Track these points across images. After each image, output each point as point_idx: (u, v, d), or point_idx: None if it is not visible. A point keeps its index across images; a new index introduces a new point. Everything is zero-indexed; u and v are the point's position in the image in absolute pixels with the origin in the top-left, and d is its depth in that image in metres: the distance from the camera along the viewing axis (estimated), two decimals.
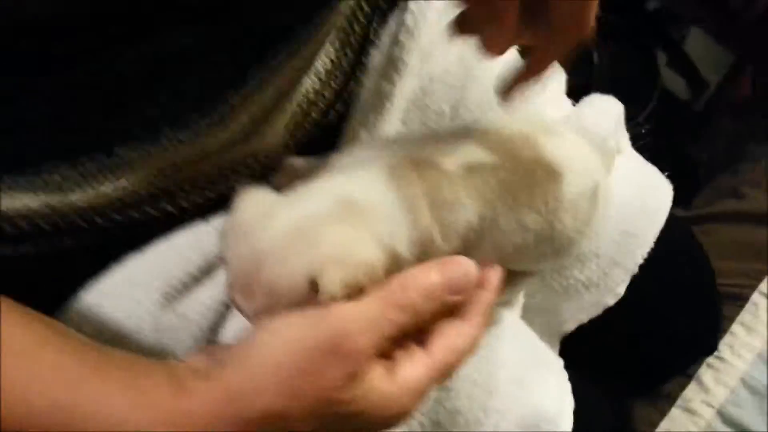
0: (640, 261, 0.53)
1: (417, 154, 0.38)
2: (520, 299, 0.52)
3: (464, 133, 0.40)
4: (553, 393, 0.49)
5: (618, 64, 1.01)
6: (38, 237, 0.40)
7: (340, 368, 0.31)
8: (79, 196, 0.41)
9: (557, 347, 0.58)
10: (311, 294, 0.32)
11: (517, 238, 0.38)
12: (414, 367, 0.33)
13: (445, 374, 0.34)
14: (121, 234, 0.42)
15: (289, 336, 0.32)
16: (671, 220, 0.56)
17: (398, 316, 0.32)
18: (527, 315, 0.54)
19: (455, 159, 0.37)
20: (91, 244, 0.42)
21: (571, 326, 0.56)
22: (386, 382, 0.32)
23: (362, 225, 0.34)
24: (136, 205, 0.42)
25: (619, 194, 0.54)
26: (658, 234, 0.54)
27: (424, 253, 0.36)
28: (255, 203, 0.37)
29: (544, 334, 0.55)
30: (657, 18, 1.18)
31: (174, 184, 0.42)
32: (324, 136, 0.48)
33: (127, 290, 0.42)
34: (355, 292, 0.32)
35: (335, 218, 0.34)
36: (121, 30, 0.34)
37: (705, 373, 0.68)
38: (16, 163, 0.39)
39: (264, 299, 0.34)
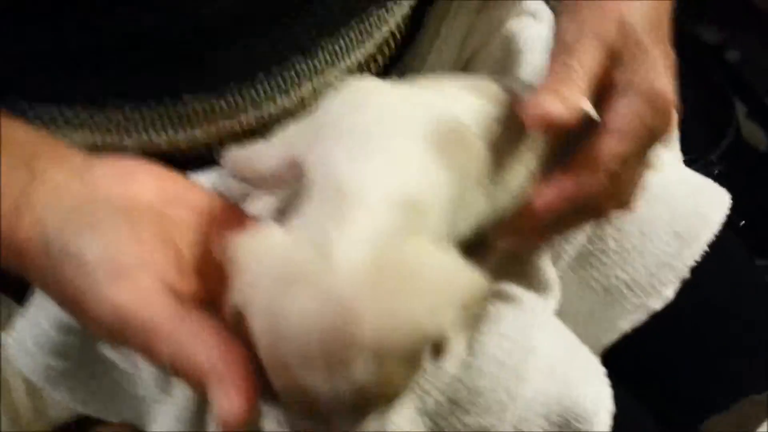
0: (691, 263, 0.50)
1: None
2: (557, 291, 0.50)
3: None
4: (590, 392, 0.45)
5: (689, 101, 0.98)
6: None
7: None
8: (133, 141, 0.43)
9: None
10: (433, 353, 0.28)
11: None
12: None
13: None
14: None
15: None
16: (745, 262, 0.53)
17: None
18: (564, 323, 0.51)
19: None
20: None
21: (611, 336, 0.52)
22: None
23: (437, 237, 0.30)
24: (184, 160, 0.44)
25: (670, 194, 0.52)
26: (711, 239, 0.51)
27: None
28: (269, 242, 0.28)
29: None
30: (737, 70, 1.15)
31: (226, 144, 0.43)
32: None
33: None
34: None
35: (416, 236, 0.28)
36: None
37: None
38: (83, 97, 0.41)
39: (367, 364, 0.26)
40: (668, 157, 0.54)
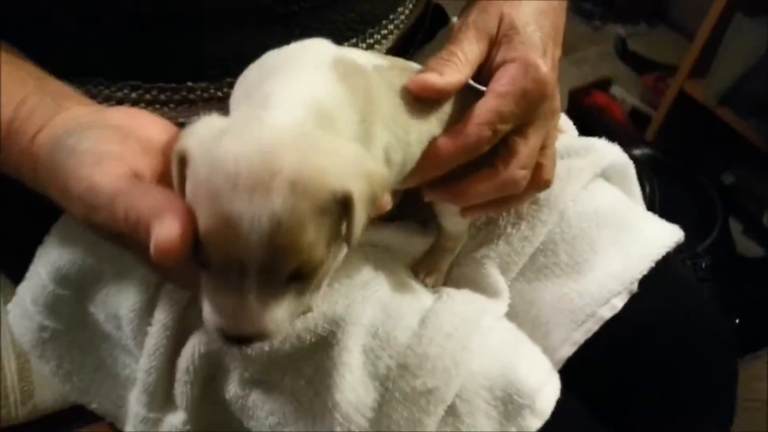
0: (638, 276, 0.54)
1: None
2: (506, 296, 0.54)
3: None
4: (534, 375, 0.48)
5: (677, 199, 1.04)
6: None
7: None
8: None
9: None
10: (335, 207, 0.33)
11: None
12: None
13: None
14: None
15: None
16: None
17: None
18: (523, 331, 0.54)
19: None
20: None
21: (568, 349, 0.54)
22: None
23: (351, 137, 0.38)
24: None
25: (621, 221, 0.56)
26: (659, 256, 0.55)
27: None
28: (213, 123, 0.34)
29: None
30: (732, 191, 1.22)
31: None
32: None
33: None
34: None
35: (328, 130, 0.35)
36: None
37: None
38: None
39: (285, 196, 0.31)
40: (618, 193, 0.60)
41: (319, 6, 0.49)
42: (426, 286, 0.54)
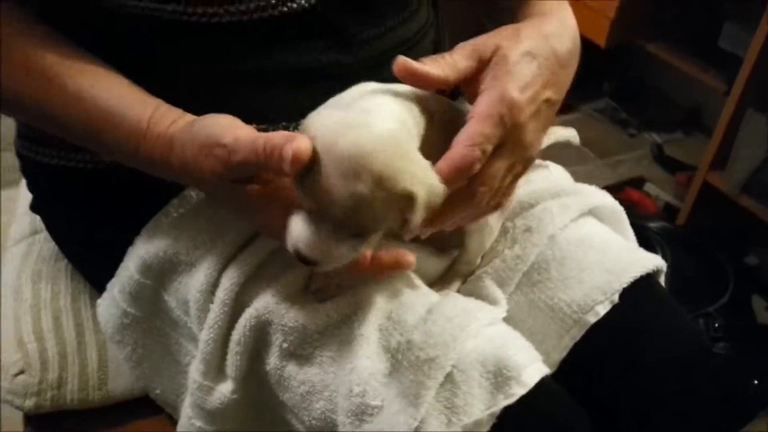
0: (618, 289, 0.62)
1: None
2: (504, 305, 0.64)
3: None
4: (524, 354, 0.56)
5: (689, 265, 1.11)
6: None
7: None
8: None
9: None
10: (402, 202, 0.46)
11: None
12: None
13: None
14: None
15: None
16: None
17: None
18: None
19: None
20: None
21: (560, 354, 0.63)
22: None
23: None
24: None
25: (607, 245, 0.67)
26: (639, 274, 0.64)
27: None
28: (333, 114, 0.48)
29: None
30: (755, 272, 1.27)
31: None
32: None
33: None
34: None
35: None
36: None
37: None
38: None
39: (369, 185, 0.44)
40: (607, 229, 0.70)
41: (376, 65, 0.64)
42: None
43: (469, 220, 0.59)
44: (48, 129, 0.62)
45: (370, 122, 0.47)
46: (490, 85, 0.52)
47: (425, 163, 0.48)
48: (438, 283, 0.67)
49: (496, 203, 0.57)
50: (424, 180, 0.47)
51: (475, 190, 0.52)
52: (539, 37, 0.55)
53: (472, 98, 0.54)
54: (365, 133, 0.46)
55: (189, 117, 0.55)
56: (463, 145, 0.50)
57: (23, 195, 0.88)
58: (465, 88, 0.55)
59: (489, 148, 0.51)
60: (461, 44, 0.55)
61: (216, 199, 0.59)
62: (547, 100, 0.55)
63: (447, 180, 0.49)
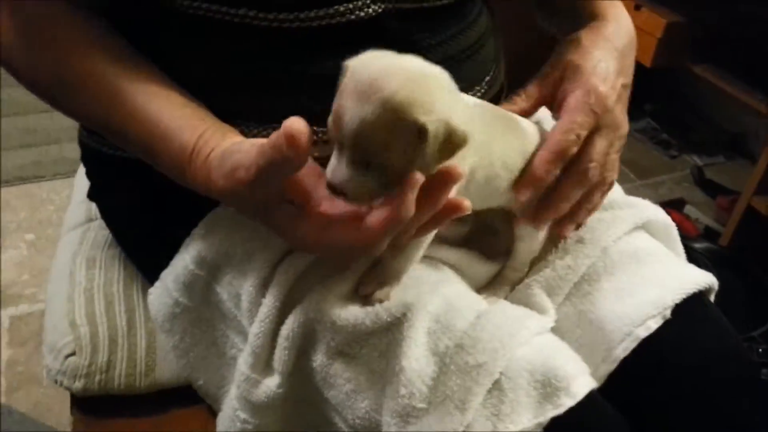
0: (671, 304, 0.62)
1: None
2: (552, 314, 0.63)
3: None
4: (573, 365, 0.56)
5: (735, 290, 1.09)
6: None
7: None
8: None
9: None
10: (410, 134, 0.44)
11: None
12: None
13: None
14: None
15: None
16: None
17: None
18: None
19: None
20: None
21: (609, 366, 0.62)
22: None
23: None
24: None
25: (660, 263, 0.66)
26: (691, 291, 0.63)
27: None
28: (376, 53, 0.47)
29: None
30: None
31: None
32: None
33: None
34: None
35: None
36: None
37: None
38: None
39: (375, 108, 0.43)
40: (659, 244, 0.69)
41: None
42: None
43: (590, 209, 0.65)
44: (114, 141, 0.65)
45: (405, 59, 0.46)
46: (572, 87, 0.62)
47: (449, 103, 0.45)
48: (486, 288, 0.67)
49: (603, 178, 0.64)
50: (441, 117, 0.44)
51: (586, 168, 0.61)
52: (600, 39, 0.65)
53: (559, 110, 0.62)
54: (395, 62, 0.46)
55: (227, 143, 0.55)
56: (559, 132, 0.60)
57: (78, 183, 0.91)
58: (552, 110, 0.66)
59: (583, 133, 0.60)
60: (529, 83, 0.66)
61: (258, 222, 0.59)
62: (624, 85, 0.65)
63: (548, 163, 0.59)
